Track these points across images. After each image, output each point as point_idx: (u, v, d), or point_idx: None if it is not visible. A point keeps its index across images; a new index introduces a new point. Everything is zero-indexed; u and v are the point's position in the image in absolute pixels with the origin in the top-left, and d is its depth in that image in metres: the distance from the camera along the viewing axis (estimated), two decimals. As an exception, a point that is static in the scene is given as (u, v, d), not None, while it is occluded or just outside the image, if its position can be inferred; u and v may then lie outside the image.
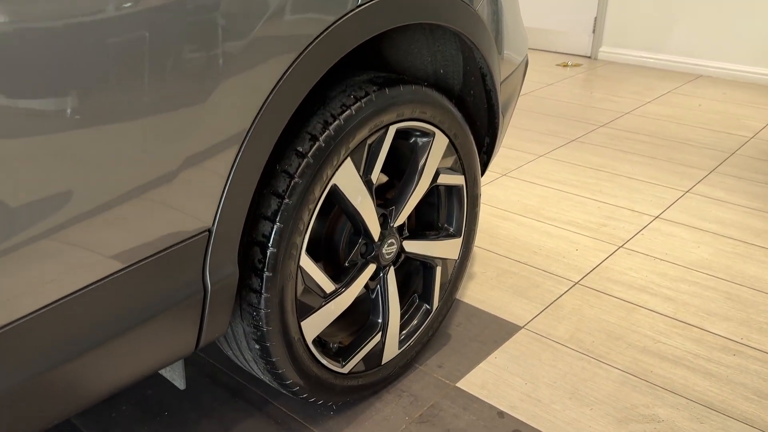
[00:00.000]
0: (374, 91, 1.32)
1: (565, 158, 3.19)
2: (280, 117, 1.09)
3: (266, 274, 1.21)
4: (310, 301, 1.35)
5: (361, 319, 1.59)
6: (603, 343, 1.82)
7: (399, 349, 1.61)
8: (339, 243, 1.47)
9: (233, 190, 1.06)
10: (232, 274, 1.12)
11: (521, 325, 1.89)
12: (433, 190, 1.64)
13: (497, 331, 1.86)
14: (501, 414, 1.56)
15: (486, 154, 1.81)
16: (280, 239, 1.21)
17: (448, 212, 1.68)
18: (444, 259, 1.66)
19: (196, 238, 1.04)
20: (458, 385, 1.65)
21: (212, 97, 0.97)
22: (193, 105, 0.95)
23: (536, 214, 2.59)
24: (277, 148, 1.22)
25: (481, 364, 1.72)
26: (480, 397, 1.61)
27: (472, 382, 1.66)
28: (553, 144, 3.38)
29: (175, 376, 1.23)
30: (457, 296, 2.02)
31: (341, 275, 1.43)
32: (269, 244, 1.20)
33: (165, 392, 1.60)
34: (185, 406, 1.56)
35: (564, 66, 5.09)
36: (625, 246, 2.36)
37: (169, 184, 0.97)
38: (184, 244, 1.02)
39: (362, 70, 1.42)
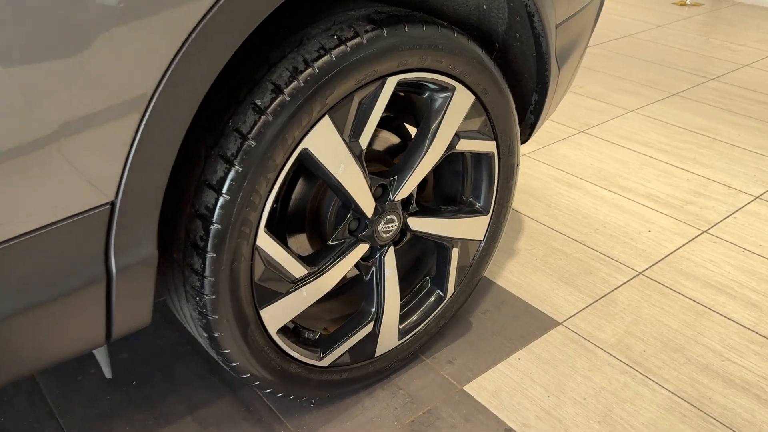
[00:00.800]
0: (366, 31, 1.03)
1: (659, 116, 2.75)
2: (212, 59, 0.84)
3: (210, 254, 0.99)
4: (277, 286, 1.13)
5: (359, 299, 1.36)
6: (656, 354, 1.50)
7: (399, 340, 1.37)
8: (326, 217, 1.23)
9: (142, 154, 0.83)
10: (149, 256, 0.90)
11: (560, 320, 1.59)
12: (458, 156, 1.35)
13: (528, 325, 1.57)
14: (509, 432, 1.30)
15: (534, 114, 1.48)
16: (226, 214, 0.98)
17: (475, 184, 1.38)
18: (464, 240, 1.38)
19: (93, 212, 0.82)
20: (466, 388, 1.39)
21: (106, 32, 0.73)
22: (78, 44, 0.72)
23: (610, 182, 2.22)
24: (231, 99, 0.98)
25: (499, 365, 1.45)
26: (488, 407, 1.35)
27: (484, 387, 1.40)
28: (649, 97, 2.93)
29: (102, 362, 1.06)
30: (492, 277, 1.74)
31: (323, 255, 1.19)
32: (213, 219, 0.98)
33: (139, 358, 1.45)
34: (156, 378, 1.40)
35: (681, 5, 4.45)
36: (710, 231, 1.97)
37: (49, 147, 0.75)
38: (74, 219, 0.81)
39: (368, 2, 1.13)
